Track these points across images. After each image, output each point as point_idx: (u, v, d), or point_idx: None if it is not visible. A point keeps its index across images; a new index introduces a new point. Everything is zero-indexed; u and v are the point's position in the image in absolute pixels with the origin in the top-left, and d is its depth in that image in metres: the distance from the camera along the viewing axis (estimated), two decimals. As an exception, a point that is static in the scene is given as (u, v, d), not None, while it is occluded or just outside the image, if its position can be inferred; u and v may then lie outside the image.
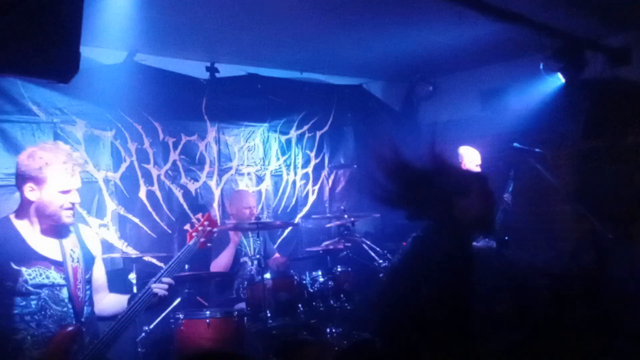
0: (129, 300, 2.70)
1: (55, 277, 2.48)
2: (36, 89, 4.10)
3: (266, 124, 5.70)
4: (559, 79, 4.88)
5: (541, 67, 4.94)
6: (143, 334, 3.72)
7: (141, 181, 4.75)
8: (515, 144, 5.21)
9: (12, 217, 2.53)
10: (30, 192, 2.45)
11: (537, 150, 5.06)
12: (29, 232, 2.50)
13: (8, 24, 1.10)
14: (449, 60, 5.82)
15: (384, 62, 5.78)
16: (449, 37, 4.95)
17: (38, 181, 2.44)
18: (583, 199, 4.87)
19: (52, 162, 2.45)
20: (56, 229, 2.56)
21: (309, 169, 6.09)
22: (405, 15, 4.32)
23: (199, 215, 3.24)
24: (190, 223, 3.54)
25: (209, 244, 3.19)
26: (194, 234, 3.14)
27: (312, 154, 6.13)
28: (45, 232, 2.54)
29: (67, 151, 2.55)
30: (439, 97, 6.44)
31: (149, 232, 4.76)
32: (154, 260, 4.65)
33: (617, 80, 5.04)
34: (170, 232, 4.89)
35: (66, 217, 2.52)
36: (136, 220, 4.69)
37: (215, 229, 3.23)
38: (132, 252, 4.53)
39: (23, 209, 2.51)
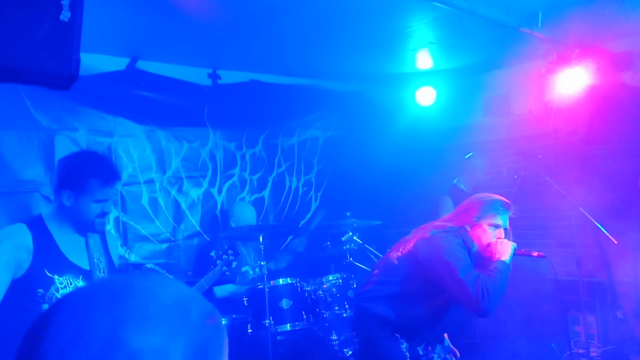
0: None
1: None
2: (38, 95, 4.10)
3: (268, 130, 5.70)
4: (561, 84, 4.87)
5: (544, 72, 4.93)
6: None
7: (143, 188, 4.75)
8: (518, 151, 5.22)
9: (44, 217, 2.50)
10: (67, 198, 2.44)
11: (539, 156, 5.05)
12: (61, 236, 2.48)
13: (6, 29, 1.10)
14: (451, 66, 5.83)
15: (386, 68, 5.79)
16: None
17: (77, 189, 2.43)
18: (587, 204, 4.84)
19: (93, 172, 2.45)
20: (86, 235, 2.57)
21: (312, 176, 6.08)
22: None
23: (227, 246, 3.85)
24: (215, 250, 3.84)
25: (227, 273, 3.56)
26: (218, 261, 3.54)
27: (315, 161, 6.12)
28: (75, 238, 2.54)
29: (109, 161, 2.56)
30: (442, 103, 6.43)
31: (152, 239, 4.75)
32: (157, 268, 4.65)
33: (621, 85, 5.03)
34: (173, 239, 4.88)
35: (99, 225, 2.53)
36: (138, 227, 4.68)
37: (235, 260, 3.79)
38: (135, 260, 4.52)
39: (56, 212, 2.50)
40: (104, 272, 2.59)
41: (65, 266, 2.45)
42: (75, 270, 2.47)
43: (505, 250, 2.87)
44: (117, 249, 2.87)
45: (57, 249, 2.45)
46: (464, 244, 2.92)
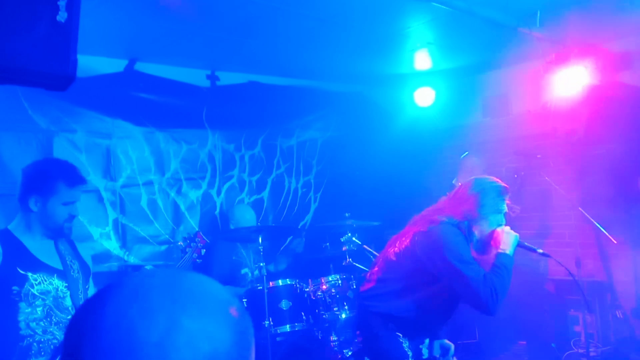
0: None
1: (58, 284, 2.50)
2: (36, 97, 4.10)
3: (267, 131, 5.69)
4: (560, 84, 4.87)
5: (542, 72, 4.93)
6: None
7: (142, 189, 4.74)
8: (518, 151, 5.22)
9: (10, 229, 2.53)
10: (35, 203, 2.46)
11: (539, 156, 5.05)
12: (30, 242, 2.51)
13: (2, 31, 1.10)
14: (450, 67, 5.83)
15: (385, 69, 5.79)
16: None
17: (45, 193, 2.47)
18: (586, 204, 4.85)
19: (59, 175, 2.49)
20: (55, 240, 2.59)
21: (311, 177, 6.08)
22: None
23: (193, 234, 3.77)
24: (182, 239, 3.91)
25: (198, 260, 3.68)
26: (187, 249, 3.66)
27: (314, 162, 6.12)
28: (45, 243, 2.55)
29: (73, 166, 2.59)
30: (441, 103, 6.43)
31: (151, 240, 4.75)
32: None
33: (619, 85, 5.03)
34: (172, 240, 4.87)
35: (67, 229, 2.55)
36: (137, 229, 4.67)
37: (204, 248, 3.88)
38: (134, 261, 4.52)
39: (23, 220, 2.53)
40: (78, 273, 2.60)
41: (38, 265, 2.47)
42: (49, 269, 2.50)
43: (509, 241, 2.79)
44: (89, 256, 2.88)
45: (27, 252, 2.48)
46: (463, 236, 2.80)
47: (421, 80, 6.30)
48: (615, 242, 4.61)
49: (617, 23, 4.64)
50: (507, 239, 2.80)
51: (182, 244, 3.87)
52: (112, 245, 4.49)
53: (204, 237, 3.93)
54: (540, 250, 2.93)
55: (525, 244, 2.92)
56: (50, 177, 2.48)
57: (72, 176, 2.52)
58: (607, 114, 4.96)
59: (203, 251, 3.86)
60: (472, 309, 2.73)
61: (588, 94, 4.83)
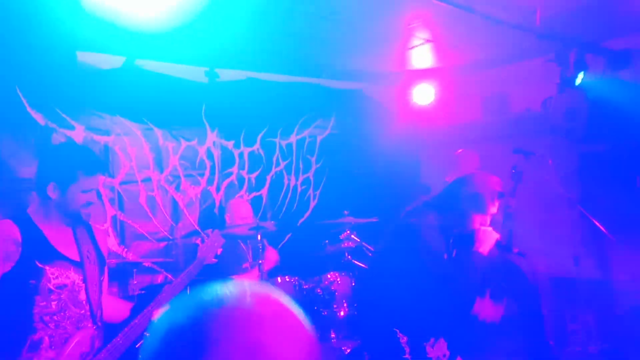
0: (134, 310, 2.72)
1: (74, 278, 2.49)
2: (35, 93, 4.08)
3: (266, 129, 5.68)
4: (560, 82, 4.86)
5: (542, 70, 4.92)
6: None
7: (141, 186, 4.73)
8: (516, 149, 5.21)
9: (30, 213, 2.51)
10: (53, 190, 2.45)
11: (537, 154, 5.05)
12: (49, 229, 2.49)
13: (2, 28, 1.09)
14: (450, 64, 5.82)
15: (384, 66, 5.78)
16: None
17: (64, 181, 2.45)
18: (585, 202, 4.84)
19: (79, 163, 2.47)
20: (73, 227, 2.57)
21: (310, 174, 6.07)
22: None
23: (209, 231, 3.53)
24: (200, 238, 3.74)
25: (214, 259, 3.51)
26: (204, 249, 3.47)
27: (313, 159, 6.11)
28: (63, 230, 2.54)
29: (92, 152, 2.61)
30: (441, 102, 6.41)
31: (150, 237, 4.74)
32: (154, 266, 4.64)
33: (619, 83, 5.02)
34: (171, 237, 4.87)
35: (85, 215, 2.53)
36: (136, 226, 4.67)
37: (221, 248, 3.54)
38: (132, 258, 4.51)
39: (42, 206, 2.51)
40: (94, 264, 2.59)
41: (56, 257, 2.46)
42: (65, 261, 2.48)
43: (487, 240, 2.89)
44: (106, 242, 2.87)
45: (45, 241, 2.46)
46: (443, 231, 2.95)
47: (421, 78, 6.28)
48: (614, 240, 4.61)
49: (617, 21, 4.63)
50: (485, 238, 2.91)
51: (199, 242, 3.71)
52: (111, 242, 4.49)
53: (220, 236, 3.75)
54: (516, 250, 3.11)
55: (502, 244, 3.03)
56: (69, 166, 2.46)
57: (91, 164, 2.51)
58: (607, 112, 4.95)
59: (220, 251, 3.72)
60: None
61: (587, 92, 4.82)
